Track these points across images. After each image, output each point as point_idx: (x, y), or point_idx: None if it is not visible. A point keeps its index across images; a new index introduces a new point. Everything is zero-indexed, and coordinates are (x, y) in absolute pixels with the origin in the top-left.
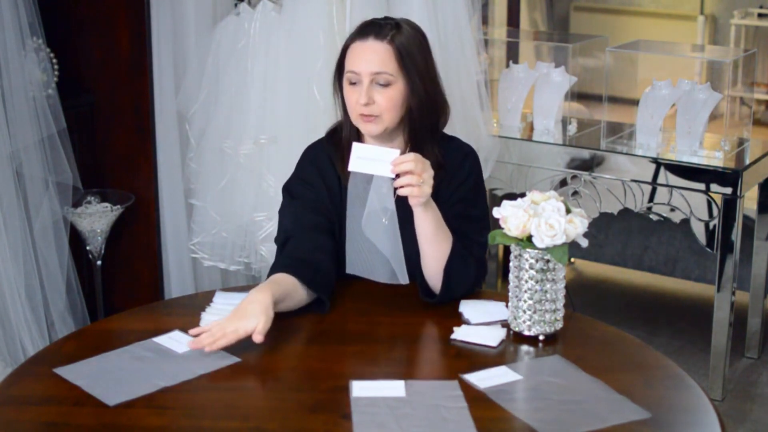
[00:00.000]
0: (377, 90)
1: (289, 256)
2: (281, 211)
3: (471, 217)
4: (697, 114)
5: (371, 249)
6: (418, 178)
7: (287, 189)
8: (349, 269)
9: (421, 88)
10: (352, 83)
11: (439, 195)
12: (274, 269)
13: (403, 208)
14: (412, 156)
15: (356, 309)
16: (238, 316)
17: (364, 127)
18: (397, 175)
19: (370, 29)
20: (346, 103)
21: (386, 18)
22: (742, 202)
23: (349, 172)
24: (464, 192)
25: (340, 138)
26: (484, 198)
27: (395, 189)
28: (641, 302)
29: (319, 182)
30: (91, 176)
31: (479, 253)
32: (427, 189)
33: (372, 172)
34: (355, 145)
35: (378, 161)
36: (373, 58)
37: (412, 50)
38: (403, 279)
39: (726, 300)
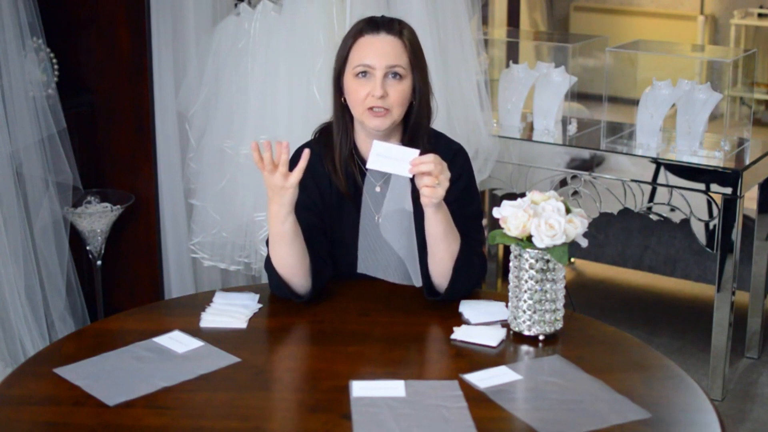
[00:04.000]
0: (389, 83)
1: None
2: None
3: (468, 215)
4: (697, 114)
5: (385, 249)
6: (434, 179)
7: None
8: (361, 269)
9: (422, 85)
10: (362, 77)
11: None
12: (268, 268)
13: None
14: (431, 158)
15: (356, 309)
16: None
17: (371, 122)
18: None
19: (378, 23)
20: (350, 97)
21: (383, 16)
22: (742, 202)
23: (346, 173)
24: (458, 191)
25: (330, 137)
26: (477, 195)
27: (413, 190)
28: (641, 302)
29: (311, 183)
30: (91, 176)
31: (479, 250)
32: (441, 191)
33: (390, 170)
34: (376, 143)
35: (397, 160)
36: (388, 50)
37: (417, 47)
38: (417, 281)
39: (726, 300)
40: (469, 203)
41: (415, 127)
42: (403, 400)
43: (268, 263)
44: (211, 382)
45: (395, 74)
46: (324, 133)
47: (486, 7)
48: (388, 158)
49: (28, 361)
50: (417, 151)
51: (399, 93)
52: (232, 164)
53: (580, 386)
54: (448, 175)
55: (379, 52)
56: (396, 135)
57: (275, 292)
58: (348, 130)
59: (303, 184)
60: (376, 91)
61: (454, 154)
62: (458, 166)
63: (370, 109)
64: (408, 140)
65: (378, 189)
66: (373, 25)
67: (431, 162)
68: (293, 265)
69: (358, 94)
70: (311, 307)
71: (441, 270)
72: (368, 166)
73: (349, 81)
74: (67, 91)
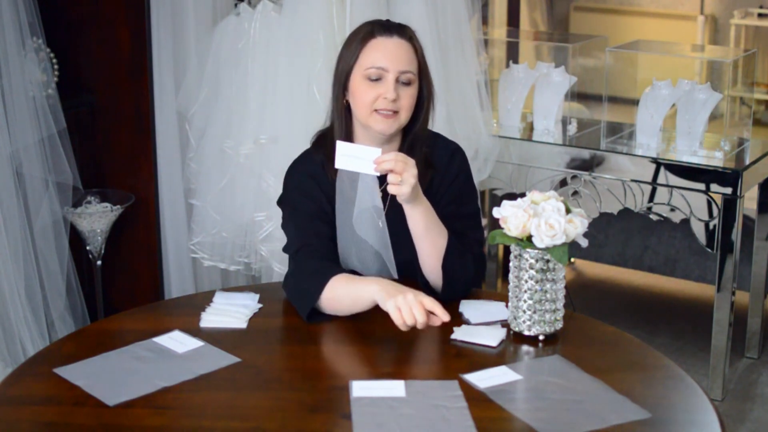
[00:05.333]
0: (400, 88)
1: (320, 259)
2: (285, 225)
3: (465, 214)
4: (697, 114)
5: (361, 245)
6: (397, 177)
7: (286, 203)
8: (341, 264)
9: (428, 93)
10: (373, 79)
11: (430, 194)
12: (305, 276)
13: (398, 207)
14: (393, 155)
15: None
16: (402, 289)
17: (378, 126)
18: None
19: (390, 26)
20: (356, 100)
21: (389, 20)
22: (742, 202)
23: (336, 171)
24: (455, 191)
25: (328, 144)
26: (475, 194)
27: (381, 187)
28: (641, 302)
29: (318, 192)
30: (91, 176)
31: (477, 249)
32: (406, 188)
33: (357, 169)
34: (339, 143)
35: (362, 159)
36: (402, 55)
37: (423, 54)
38: (394, 272)
39: (726, 300)
40: (466, 202)
41: (416, 135)
42: (403, 400)
43: (306, 282)
44: (211, 382)
45: (406, 79)
46: (321, 140)
47: (486, 7)
48: (353, 158)
49: (28, 361)
50: (379, 150)
51: (409, 98)
52: (232, 164)
53: (580, 386)
54: (412, 171)
55: (392, 55)
56: (396, 141)
57: (292, 301)
58: (350, 134)
59: (311, 194)
60: (389, 94)
61: (452, 154)
62: (456, 165)
63: (378, 110)
64: (407, 147)
65: (371, 189)
66: (385, 27)
67: (392, 160)
68: (340, 310)
69: (366, 97)
70: None
71: (431, 266)
72: (336, 165)
73: (358, 83)
74: (67, 91)
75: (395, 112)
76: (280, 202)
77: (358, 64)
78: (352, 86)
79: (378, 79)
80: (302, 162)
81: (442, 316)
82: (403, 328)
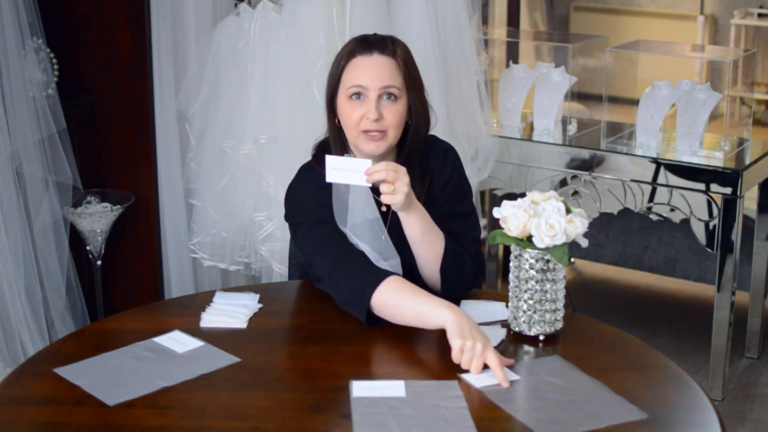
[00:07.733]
0: (384, 105)
1: (362, 255)
2: (305, 235)
3: (460, 213)
4: (697, 114)
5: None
6: (390, 186)
7: (303, 215)
8: None
9: (418, 104)
10: (355, 99)
11: (428, 199)
12: (353, 271)
13: (393, 212)
14: (383, 165)
15: None
16: (474, 334)
17: (366, 147)
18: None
19: (371, 43)
20: (343, 120)
21: (375, 34)
22: (742, 202)
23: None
24: (450, 191)
25: (328, 153)
26: (470, 192)
27: (375, 198)
28: (641, 302)
29: (330, 201)
30: (91, 176)
31: (475, 247)
32: (399, 197)
33: (349, 182)
34: (328, 158)
35: (353, 172)
36: (382, 71)
37: (412, 65)
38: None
39: (726, 300)
40: (462, 201)
41: (412, 148)
42: (403, 400)
43: (355, 274)
44: (211, 382)
45: (390, 95)
46: (322, 150)
47: (486, 7)
48: (343, 171)
49: (28, 361)
50: (369, 162)
51: (394, 114)
52: (232, 164)
53: (580, 387)
54: (404, 180)
55: (372, 73)
56: (390, 156)
57: (341, 297)
58: (347, 151)
59: (327, 204)
60: (370, 114)
61: (445, 154)
62: (449, 164)
63: (365, 132)
64: (404, 161)
65: (383, 208)
66: (365, 45)
67: (383, 170)
68: (395, 319)
69: (351, 117)
70: (311, 307)
71: (430, 270)
72: (327, 180)
73: (343, 103)
74: (67, 91)
75: (382, 133)
76: (292, 217)
77: (341, 85)
78: (338, 108)
79: (360, 99)
80: (309, 174)
81: (502, 382)
82: (456, 362)
